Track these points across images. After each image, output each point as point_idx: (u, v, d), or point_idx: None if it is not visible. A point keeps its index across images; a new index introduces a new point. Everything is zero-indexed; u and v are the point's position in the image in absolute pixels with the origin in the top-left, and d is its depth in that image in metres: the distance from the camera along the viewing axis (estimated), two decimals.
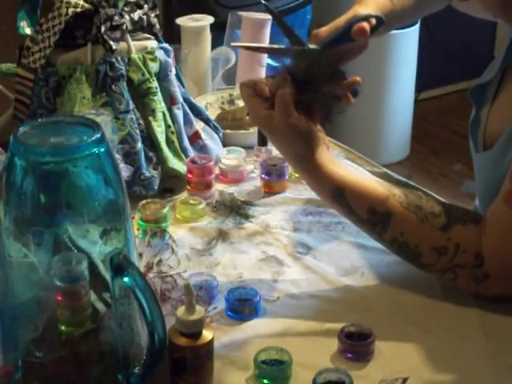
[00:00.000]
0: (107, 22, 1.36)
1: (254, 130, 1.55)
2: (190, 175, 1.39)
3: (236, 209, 1.37)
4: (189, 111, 1.46)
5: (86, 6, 1.36)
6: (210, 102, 1.69)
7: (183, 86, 1.50)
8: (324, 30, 1.20)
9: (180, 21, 1.72)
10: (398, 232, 1.13)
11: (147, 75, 1.39)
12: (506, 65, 1.26)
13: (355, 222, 1.17)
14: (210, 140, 1.48)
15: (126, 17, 1.38)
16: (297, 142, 1.15)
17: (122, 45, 1.38)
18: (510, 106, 1.21)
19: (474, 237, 1.10)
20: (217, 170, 1.45)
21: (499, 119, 1.22)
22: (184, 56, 1.69)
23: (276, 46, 1.20)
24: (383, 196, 1.13)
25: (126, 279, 0.89)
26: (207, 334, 0.96)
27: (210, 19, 1.72)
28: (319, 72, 1.14)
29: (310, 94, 1.14)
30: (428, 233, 1.11)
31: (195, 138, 1.46)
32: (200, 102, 1.62)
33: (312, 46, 1.18)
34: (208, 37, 1.72)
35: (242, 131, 1.58)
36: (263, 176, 1.43)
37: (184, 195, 1.39)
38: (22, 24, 1.39)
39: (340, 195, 1.15)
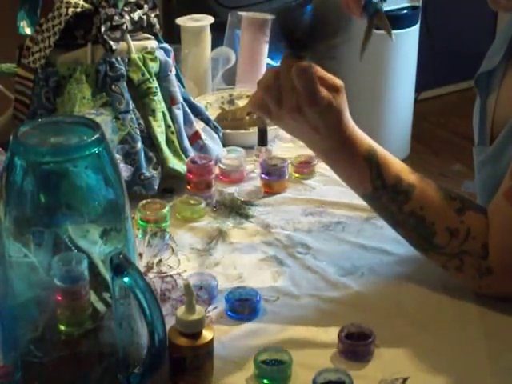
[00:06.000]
0: (107, 22, 1.36)
1: (253, 130, 1.55)
2: (190, 175, 1.39)
3: (236, 209, 1.37)
4: (189, 111, 1.46)
5: (86, 6, 1.36)
6: (210, 102, 1.69)
7: (183, 86, 1.50)
8: None
9: (180, 21, 1.72)
10: (418, 205, 1.12)
11: (147, 75, 1.39)
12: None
13: (378, 189, 1.13)
14: (210, 140, 1.48)
15: (126, 17, 1.38)
16: (327, 114, 1.09)
17: (122, 45, 1.38)
18: None
19: (483, 226, 1.10)
20: (217, 170, 1.45)
21: (506, 109, 1.21)
22: (184, 56, 1.69)
23: None
24: (410, 169, 1.16)
25: (126, 279, 0.89)
26: (207, 334, 0.96)
27: (210, 19, 1.72)
28: (323, 18, 1.07)
29: (317, 47, 1.06)
30: (445, 212, 1.11)
31: (195, 137, 1.46)
32: (200, 102, 1.62)
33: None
34: (208, 37, 1.72)
35: (242, 131, 1.58)
36: (263, 176, 1.43)
37: (184, 195, 1.39)
38: (21, 24, 1.39)
39: (373, 155, 1.13)
